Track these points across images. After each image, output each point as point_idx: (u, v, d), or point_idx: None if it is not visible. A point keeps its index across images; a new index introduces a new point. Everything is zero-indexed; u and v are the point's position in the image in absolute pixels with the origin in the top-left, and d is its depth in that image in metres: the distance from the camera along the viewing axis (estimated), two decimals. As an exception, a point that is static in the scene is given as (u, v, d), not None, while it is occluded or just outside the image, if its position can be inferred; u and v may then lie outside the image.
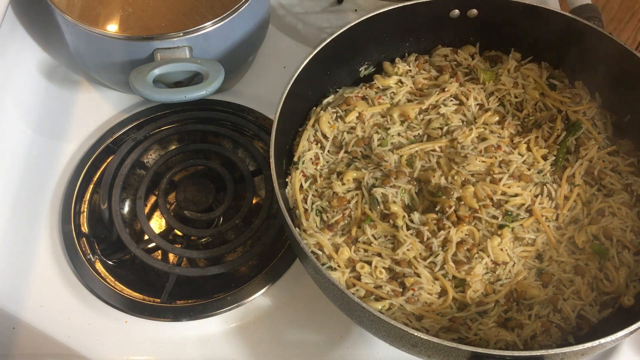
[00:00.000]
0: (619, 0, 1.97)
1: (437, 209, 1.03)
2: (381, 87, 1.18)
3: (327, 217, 1.04)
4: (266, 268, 1.13)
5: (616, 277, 0.98)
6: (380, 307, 0.95)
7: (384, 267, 0.99)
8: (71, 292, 1.10)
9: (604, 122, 1.15)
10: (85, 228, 1.18)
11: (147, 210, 1.23)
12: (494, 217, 1.02)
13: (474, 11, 1.20)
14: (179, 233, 1.19)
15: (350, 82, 1.23)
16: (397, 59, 1.23)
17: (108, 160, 1.25)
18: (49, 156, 1.25)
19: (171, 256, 1.19)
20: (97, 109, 1.32)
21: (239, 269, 1.17)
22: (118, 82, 1.30)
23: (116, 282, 1.12)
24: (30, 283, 1.11)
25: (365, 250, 1.01)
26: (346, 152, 1.12)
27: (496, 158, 1.07)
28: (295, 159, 1.10)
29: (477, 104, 1.15)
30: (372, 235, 1.01)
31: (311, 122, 1.14)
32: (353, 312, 0.91)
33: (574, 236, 1.02)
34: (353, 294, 0.89)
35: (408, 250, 0.99)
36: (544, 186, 1.06)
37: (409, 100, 1.17)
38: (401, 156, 1.09)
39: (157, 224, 1.24)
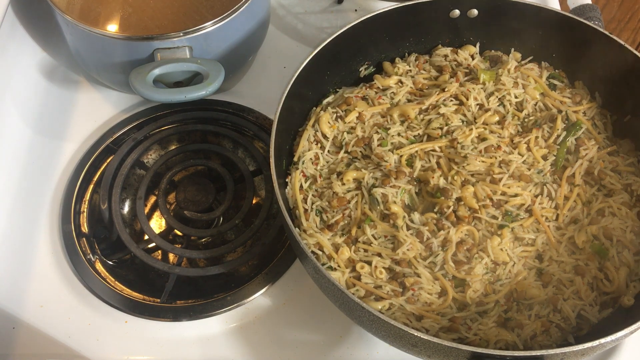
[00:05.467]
0: (619, 0, 1.97)
1: (435, 209, 1.03)
2: (381, 87, 1.18)
3: (327, 217, 1.04)
4: (266, 268, 1.13)
5: (616, 277, 0.98)
6: (380, 307, 0.95)
7: (384, 267, 0.99)
8: (71, 292, 1.10)
9: (604, 122, 1.15)
10: (85, 228, 1.18)
11: (147, 210, 1.23)
12: (494, 217, 1.02)
13: (474, 11, 1.20)
14: (179, 233, 1.19)
15: (350, 82, 1.23)
16: (397, 59, 1.23)
17: (108, 160, 1.25)
18: (49, 156, 1.25)
19: (171, 256, 1.19)
20: (97, 109, 1.32)
21: (239, 269, 1.17)
22: (118, 82, 1.30)
23: (116, 282, 1.12)
24: (30, 283, 1.11)
25: (365, 250, 1.01)
26: (346, 152, 1.12)
27: (496, 158, 1.07)
28: (295, 159, 1.10)
29: (477, 104, 1.15)
30: (372, 235, 1.01)
31: (311, 122, 1.14)
32: (353, 312, 0.91)
33: (574, 236, 1.02)
34: (353, 294, 0.89)
35: (408, 250, 0.99)
36: (544, 186, 1.06)
37: (409, 100, 1.17)
38: (401, 156, 1.09)
39: (157, 224, 1.24)
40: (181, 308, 1.09)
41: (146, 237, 1.15)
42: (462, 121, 1.13)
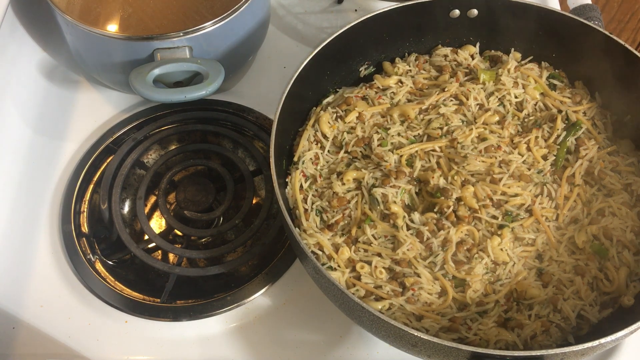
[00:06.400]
0: (619, 0, 1.97)
1: (435, 209, 1.03)
2: (381, 87, 1.18)
3: (327, 217, 1.04)
4: (266, 268, 1.13)
5: (616, 277, 0.98)
6: (380, 307, 0.95)
7: (384, 267, 0.99)
8: (71, 292, 1.10)
9: (604, 122, 1.15)
10: (85, 228, 1.18)
11: (147, 210, 1.23)
12: (494, 217, 1.02)
13: (474, 11, 1.20)
14: (179, 233, 1.19)
15: (350, 82, 1.23)
16: (397, 59, 1.23)
17: (108, 160, 1.25)
18: (49, 156, 1.25)
19: (171, 256, 1.19)
20: (97, 109, 1.32)
21: (239, 269, 1.17)
22: (118, 82, 1.30)
23: (116, 282, 1.12)
24: (30, 283, 1.11)
25: (365, 250, 1.01)
26: (346, 152, 1.12)
27: (496, 158, 1.07)
28: (295, 159, 1.10)
29: (477, 104, 1.15)
30: (372, 235, 1.01)
31: (311, 122, 1.14)
32: (353, 312, 0.91)
33: (574, 236, 1.02)
34: (353, 294, 0.89)
35: (408, 250, 0.99)
36: (544, 186, 1.06)
37: (409, 100, 1.17)
38: (401, 156, 1.09)
39: (157, 224, 1.24)
40: (181, 308, 1.09)
41: (146, 237, 1.15)
42: (462, 121, 1.13)
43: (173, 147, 1.29)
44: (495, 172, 1.05)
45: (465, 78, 1.18)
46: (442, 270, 0.98)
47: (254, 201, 1.21)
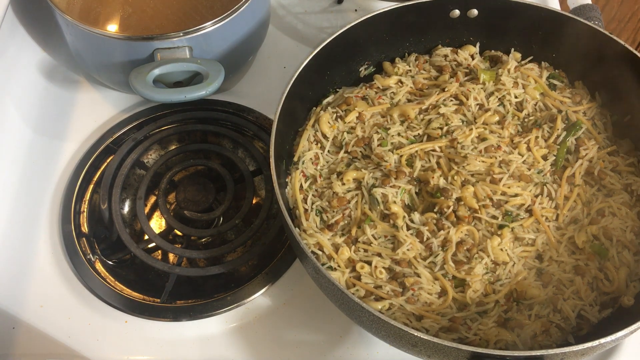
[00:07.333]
0: (619, 0, 1.98)
1: (435, 209, 1.03)
2: (381, 87, 1.18)
3: (327, 217, 1.04)
4: (266, 268, 1.13)
5: (616, 277, 0.98)
6: (380, 307, 0.95)
7: (384, 267, 0.99)
8: (71, 292, 1.10)
9: (604, 122, 1.15)
10: (85, 228, 1.18)
11: (147, 210, 1.23)
12: (494, 217, 1.02)
13: (474, 11, 1.20)
14: (179, 233, 1.19)
15: (350, 82, 1.23)
16: (397, 59, 1.23)
17: (108, 160, 1.25)
18: (49, 156, 1.25)
19: (171, 256, 1.19)
20: (97, 109, 1.32)
21: (239, 269, 1.17)
22: (118, 82, 1.30)
23: (116, 282, 1.12)
24: (30, 283, 1.11)
25: (365, 250, 1.01)
26: (346, 152, 1.12)
27: (496, 158, 1.07)
28: (295, 159, 1.10)
29: (477, 104, 1.15)
30: (372, 235, 1.01)
31: (311, 122, 1.14)
32: (353, 312, 0.91)
33: (574, 236, 1.02)
34: (353, 294, 0.89)
35: (408, 250, 0.99)
36: (544, 186, 1.06)
37: (409, 100, 1.17)
38: (401, 156, 1.09)
39: (157, 224, 1.24)
40: (181, 308, 1.09)
41: (146, 237, 1.15)
42: (462, 121, 1.13)
43: (173, 147, 1.29)
44: (495, 172, 1.05)
45: (465, 78, 1.18)
46: (442, 270, 0.98)
47: (254, 201, 1.21)
